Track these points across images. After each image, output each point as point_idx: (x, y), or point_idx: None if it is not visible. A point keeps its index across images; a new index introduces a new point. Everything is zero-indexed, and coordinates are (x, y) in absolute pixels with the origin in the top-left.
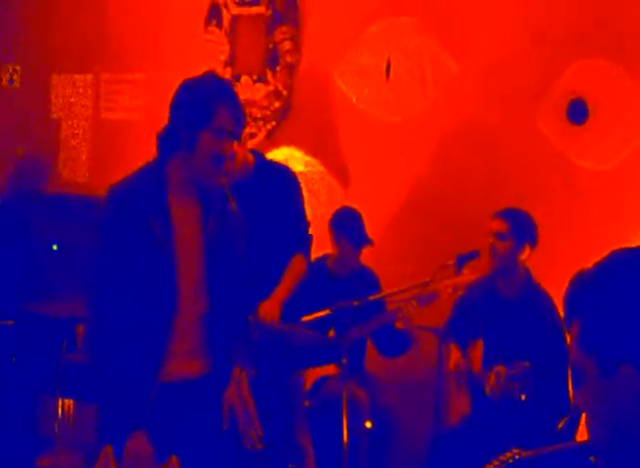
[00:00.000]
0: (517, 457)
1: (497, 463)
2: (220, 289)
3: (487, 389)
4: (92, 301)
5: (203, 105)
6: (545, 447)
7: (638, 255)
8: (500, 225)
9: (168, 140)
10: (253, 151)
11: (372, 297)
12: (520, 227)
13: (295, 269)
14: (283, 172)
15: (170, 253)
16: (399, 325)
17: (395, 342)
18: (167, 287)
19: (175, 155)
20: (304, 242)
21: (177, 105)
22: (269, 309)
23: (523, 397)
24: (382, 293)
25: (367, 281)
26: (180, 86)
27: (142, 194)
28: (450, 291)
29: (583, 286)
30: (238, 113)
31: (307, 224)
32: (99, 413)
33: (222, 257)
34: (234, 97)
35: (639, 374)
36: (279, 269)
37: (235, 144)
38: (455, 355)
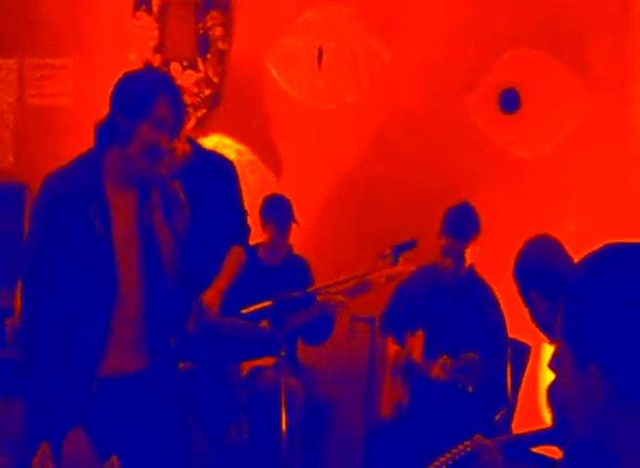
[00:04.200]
0: (476, 445)
1: (460, 448)
2: (158, 281)
3: (432, 377)
4: (26, 294)
5: (143, 97)
6: (506, 435)
7: (635, 253)
8: (447, 242)
9: (106, 131)
10: (188, 139)
11: (312, 289)
12: (467, 238)
13: (234, 260)
14: (220, 161)
15: (108, 244)
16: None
17: (317, 330)
18: (105, 279)
19: (112, 146)
20: (243, 233)
21: (116, 96)
22: (209, 300)
23: (470, 389)
24: (321, 285)
25: (299, 269)
26: (121, 78)
27: (80, 184)
28: (384, 280)
29: (575, 272)
30: (178, 107)
31: (245, 215)
32: (28, 411)
33: (160, 249)
34: (175, 90)
35: (603, 376)
36: (217, 260)
37: (175, 141)
38: (392, 348)
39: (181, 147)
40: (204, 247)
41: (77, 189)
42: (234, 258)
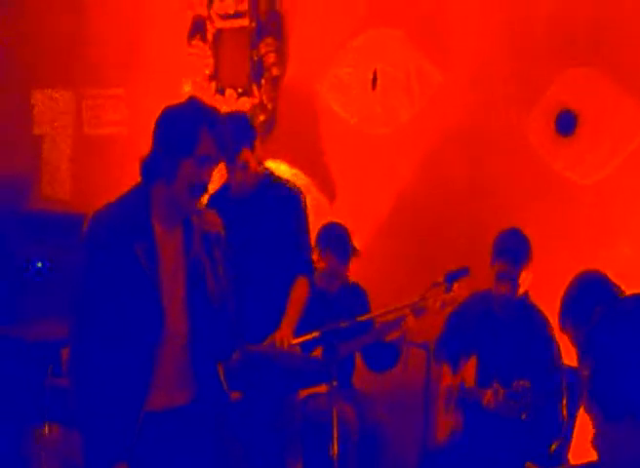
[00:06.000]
0: None
1: None
2: (204, 313)
3: (484, 403)
4: (74, 329)
5: (185, 135)
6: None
7: None
8: (502, 268)
9: (151, 167)
10: (261, 166)
11: (361, 318)
12: (521, 262)
13: (301, 292)
14: (290, 190)
15: (155, 280)
16: (390, 337)
17: (383, 357)
18: (151, 314)
19: (158, 182)
20: (308, 264)
21: (159, 133)
22: (284, 337)
23: (524, 416)
24: (371, 314)
25: (356, 297)
26: (163, 113)
27: (127, 221)
28: (438, 305)
29: (601, 329)
30: (223, 139)
31: (310, 247)
32: (82, 440)
33: (205, 282)
34: (218, 122)
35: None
36: (281, 287)
37: (248, 153)
38: (446, 374)
39: (254, 163)
40: (269, 272)
41: (125, 225)
42: (300, 291)
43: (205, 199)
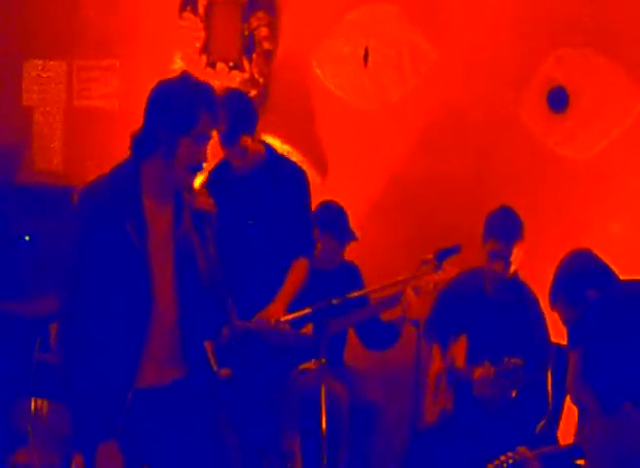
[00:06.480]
0: (519, 457)
1: (503, 459)
2: (193, 290)
3: (474, 381)
4: (63, 305)
5: (184, 113)
6: (550, 446)
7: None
8: (495, 246)
9: (144, 143)
10: (263, 143)
11: (351, 295)
12: (513, 240)
13: (299, 273)
14: (293, 169)
15: (144, 256)
16: (391, 316)
17: (381, 335)
18: (142, 290)
19: (150, 158)
20: (309, 245)
21: (154, 110)
22: (274, 313)
23: (514, 394)
24: (362, 291)
25: (350, 275)
26: (158, 88)
27: (117, 197)
28: (431, 287)
29: (591, 314)
30: (219, 117)
31: (312, 227)
32: (71, 417)
33: (195, 259)
34: (215, 101)
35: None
36: (281, 270)
37: (248, 140)
38: (436, 353)
39: (253, 147)
40: (270, 250)
41: (114, 201)
42: (300, 271)
43: (202, 175)
